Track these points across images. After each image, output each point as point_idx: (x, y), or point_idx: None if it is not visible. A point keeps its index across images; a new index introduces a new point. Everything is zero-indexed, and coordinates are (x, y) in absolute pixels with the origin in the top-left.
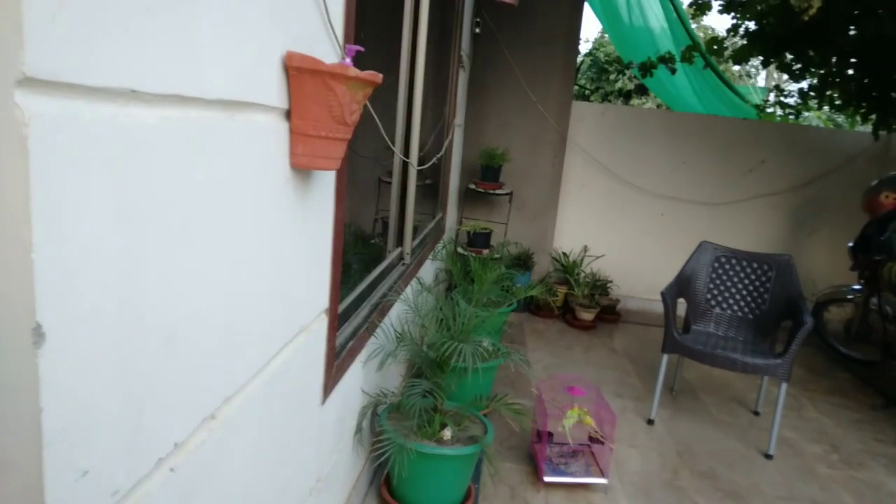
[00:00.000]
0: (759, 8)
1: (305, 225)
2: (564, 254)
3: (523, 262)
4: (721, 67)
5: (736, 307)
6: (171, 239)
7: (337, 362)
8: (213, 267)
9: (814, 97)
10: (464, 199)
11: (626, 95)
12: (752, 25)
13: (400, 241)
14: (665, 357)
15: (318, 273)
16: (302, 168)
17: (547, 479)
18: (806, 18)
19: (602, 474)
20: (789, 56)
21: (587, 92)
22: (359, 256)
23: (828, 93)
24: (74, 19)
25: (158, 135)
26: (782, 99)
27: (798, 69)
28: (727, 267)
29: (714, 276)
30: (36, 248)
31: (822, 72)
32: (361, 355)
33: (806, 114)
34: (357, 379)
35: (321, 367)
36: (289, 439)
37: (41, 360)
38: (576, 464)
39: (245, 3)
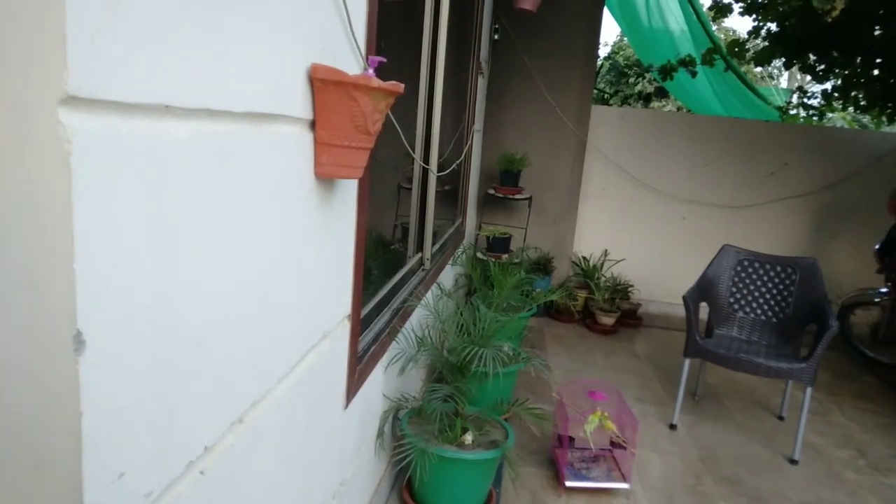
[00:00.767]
0: (780, 9)
1: (329, 232)
2: (584, 258)
3: (543, 266)
4: (743, 69)
5: (759, 311)
6: (201, 248)
7: (359, 367)
8: (240, 275)
9: (838, 98)
10: (483, 204)
11: (645, 98)
12: (773, 27)
13: (420, 247)
14: (687, 361)
15: (340, 279)
16: (326, 177)
17: (568, 483)
18: (829, 20)
19: (624, 479)
20: (812, 57)
21: (606, 95)
22: (379, 262)
23: (852, 93)
24: (112, 39)
25: (190, 148)
26: (805, 100)
27: (821, 70)
28: (750, 270)
29: (737, 279)
30: (77, 258)
31: (846, 72)
32: (383, 360)
33: (830, 115)
34: (379, 384)
35: (344, 372)
36: (313, 443)
37: (81, 366)
38: (597, 469)
39: (271, 18)
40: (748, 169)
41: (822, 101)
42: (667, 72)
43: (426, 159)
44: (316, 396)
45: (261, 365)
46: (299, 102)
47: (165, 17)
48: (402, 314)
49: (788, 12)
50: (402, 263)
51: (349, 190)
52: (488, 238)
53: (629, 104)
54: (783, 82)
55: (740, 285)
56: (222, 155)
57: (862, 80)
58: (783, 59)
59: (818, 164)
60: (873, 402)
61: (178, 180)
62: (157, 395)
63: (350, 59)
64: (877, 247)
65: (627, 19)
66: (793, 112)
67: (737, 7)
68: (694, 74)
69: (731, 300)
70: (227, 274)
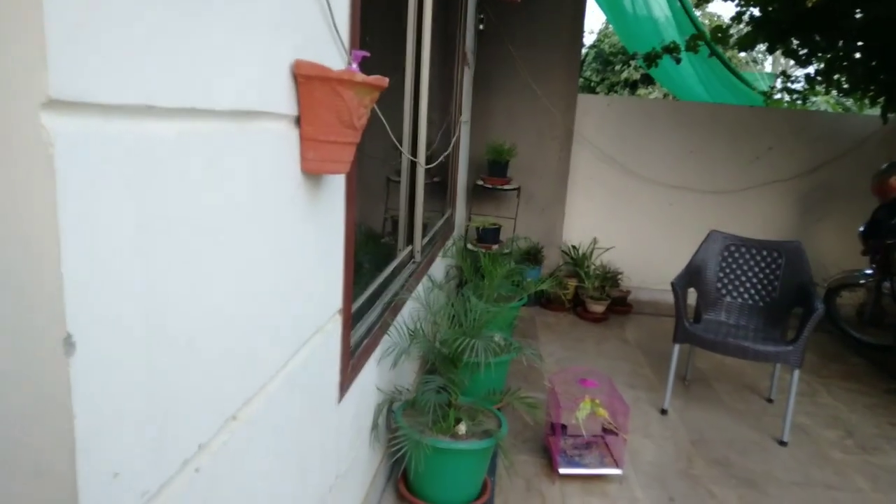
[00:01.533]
0: None
1: (317, 228)
2: (574, 247)
3: (533, 256)
4: (727, 54)
5: (746, 295)
6: (189, 247)
7: (352, 361)
8: (230, 273)
9: (821, 82)
10: (472, 195)
11: (631, 86)
12: (756, 12)
13: (410, 240)
14: (677, 347)
15: (331, 274)
16: (313, 173)
17: (562, 470)
18: (810, 4)
19: (616, 465)
20: (795, 41)
21: (592, 83)
22: (370, 256)
23: (835, 77)
24: (92, 40)
25: (174, 147)
26: (789, 85)
27: (804, 54)
28: (737, 255)
29: (724, 264)
30: (64, 261)
31: (828, 56)
32: (376, 353)
33: (814, 99)
34: (372, 377)
35: (337, 366)
36: (308, 438)
37: (72, 368)
38: (590, 455)
39: (254, 15)
40: (734, 154)
41: (806, 85)
42: (651, 59)
43: (414, 152)
44: (310, 391)
45: (253, 362)
46: (284, 99)
47: (145, 17)
48: (394, 307)
49: None
50: (393, 257)
51: (336, 185)
52: (478, 229)
53: (615, 92)
54: (767, 67)
55: (727, 270)
56: (207, 153)
57: (844, 64)
58: (766, 44)
59: (803, 148)
60: (860, 383)
61: (164, 180)
62: (149, 395)
63: (334, 54)
64: (861, 229)
65: (612, 7)
66: (777, 97)
67: None
68: (678, 61)
69: (719, 285)
70: (217, 272)
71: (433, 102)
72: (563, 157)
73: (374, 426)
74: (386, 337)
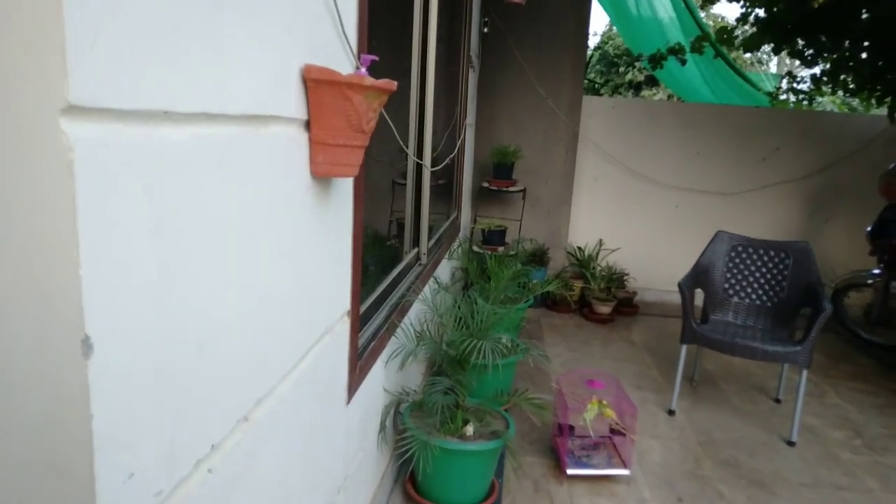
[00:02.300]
0: None
1: (326, 230)
2: (580, 248)
3: (539, 257)
4: (732, 56)
5: (754, 296)
6: (203, 249)
7: (360, 363)
8: (242, 274)
9: (827, 82)
10: (477, 197)
11: (636, 87)
12: (761, 13)
13: (416, 242)
14: (684, 347)
15: (339, 276)
16: (322, 176)
17: (570, 471)
18: (816, 5)
19: (624, 465)
20: (801, 42)
21: (597, 85)
22: (376, 258)
23: (841, 77)
24: (111, 47)
25: (189, 152)
26: (795, 85)
27: (810, 55)
28: (744, 256)
29: (731, 265)
30: (83, 264)
31: (834, 56)
32: (383, 355)
33: (820, 99)
34: (379, 378)
35: (345, 367)
36: (317, 439)
37: (90, 369)
38: (598, 456)
39: (265, 21)
40: (740, 155)
41: (812, 86)
42: (656, 60)
43: (419, 154)
44: (319, 393)
45: (264, 363)
46: (294, 103)
47: (162, 24)
48: (401, 309)
49: None
50: (399, 259)
51: (345, 188)
52: (484, 231)
53: (620, 93)
54: (772, 67)
55: (734, 271)
56: (221, 158)
57: (850, 64)
58: (772, 45)
59: (809, 148)
60: (868, 383)
61: (179, 184)
62: (164, 396)
63: (342, 59)
64: (868, 229)
65: (616, 8)
66: (783, 97)
67: None
68: (683, 62)
69: (726, 286)
70: (229, 274)
71: (439, 105)
72: (568, 159)
73: (382, 427)
74: (393, 339)
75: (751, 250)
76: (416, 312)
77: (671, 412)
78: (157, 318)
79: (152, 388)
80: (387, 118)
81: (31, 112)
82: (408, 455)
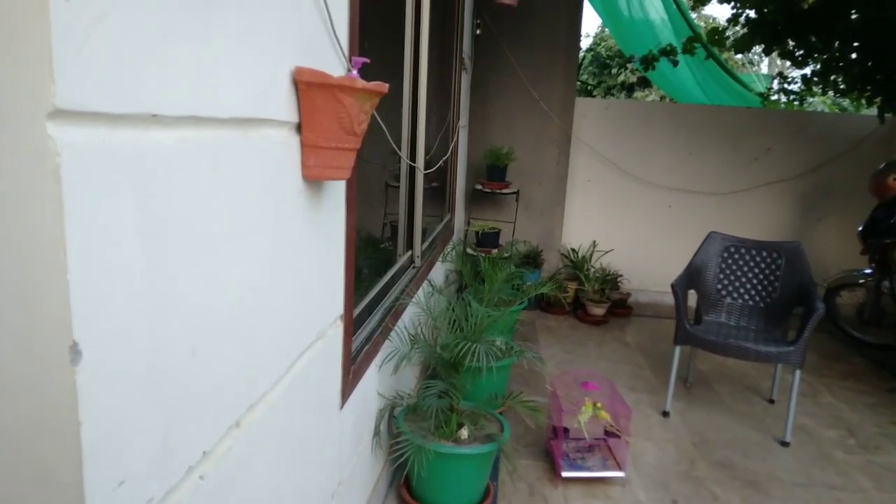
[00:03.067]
0: None
1: (319, 234)
2: (573, 250)
3: (532, 259)
4: (723, 57)
5: (747, 296)
6: (193, 254)
7: (353, 367)
8: (233, 279)
9: (818, 83)
10: (471, 199)
11: (628, 88)
12: (752, 14)
13: (410, 245)
14: (677, 349)
15: (332, 280)
16: (314, 179)
17: (565, 474)
18: (806, 6)
19: (619, 467)
20: (791, 43)
21: (590, 87)
22: (370, 261)
23: (832, 78)
24: (98, 51)
25: (178, 156)
26: (786, 86)
27: (800, 55)
28: (736, 256)
29: (724, 266)
30: (71, 269)
31: (825, 57)
32: (377, 359)
33: (811, 99)
34: (373, 382)
35: (338, 372)
36: (310, 444)
37: (78, 376)
38: (592, 458)
39: (255, 24)
40: (732, 156)
41: (803, 86)
42: (648, 62)
43: (412, 157)
44: (311, 398)
45: (256, 369)
46: (285, 106)
47: (150, 28)
48: (395, 313)
49: None
50: (393, 262)
51: (337, 191)
52: (477, 233)
53: (613, 94)
54: (764, 68)
55: (727, 271)
56: (211, 161)
57: (840, 65)
58: (762, 46)
59: (801, 148)
60: (861, 382)
61: (169, 189)
62: (154, 403)
63: (334, 61)
64: (860, 229)
65: (608, 10)
66: (774, 98)
67: None
68: (675, 63)
69: (719, 286)
70: (220, 279)
71: (431, 108)
72: (561, 161)
73: (376, 432)
74: (387, 342)
75: (743, 251)
76: (410, 315)
77: (665, 413)
78: (147, 324)
79: (143, 394)
80: (379, 121)
81: (18, 116)
82: (402, 459)
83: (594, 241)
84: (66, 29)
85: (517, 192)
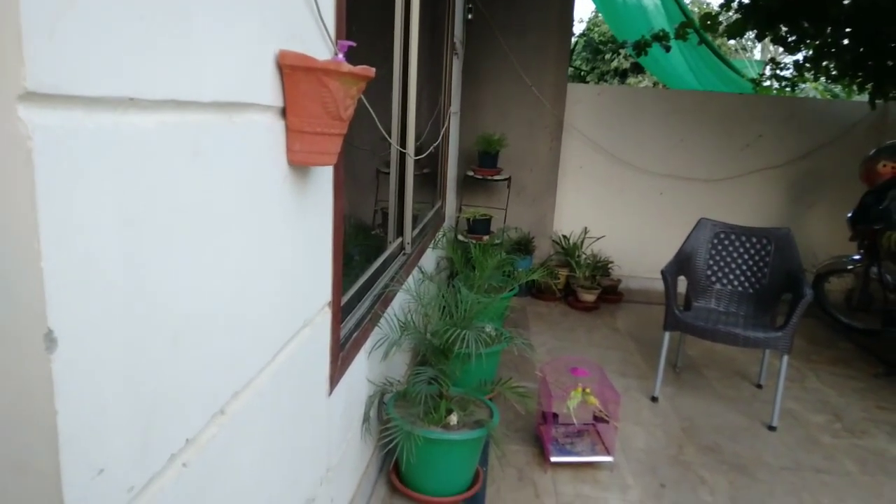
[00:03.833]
0: None
1: (305, 220)
2: (565, 236)
3: (524, 246)
4: (716, 42)
5: (736, 282)
6: (174, 240)
7: (342, 354)
8: (216, 266)
9: (809, 69)
10: (463, 186)
11: (622, 74)
12: None
13: (400, 232)
14: (667, 334)
15: (319, 267)
16: (299, 164)
17: (553, 459)
18: None
19: (608, 452)
20: (783, 28)
21: (583, 73)
22: (360, 248)
23: (823, 63)
24: (71, 33)
25: (157, 140)
26: (778, 72)
27: (793, 41)
28: (726, 243)
29: (713, 252)
30: (45, 256)
31: (816, 43)
32: (366, 346)
33: (803, 86)
34: (363, 369)
35: (326, 359)
36: (298, 431)
37: (54, 364)
38: (581, 443)
39: (238, 6)
40: (724, 142)
41: (795, 72)
42: (640, 47)
43: (403, 143)
44: (299, 385)
45: (241, 355)
46: (269, 90)
47: (128, 8)
48: (384, 299)
49: None
50: (383, 249)
51: (324, 177)
52: (469, 220)
53: (606, 80)
54: (757, 54)
55: (717, 258)
56: (192, 146)
57: (832, 50)
58: (755, 32)
59: (792, 134)
60: (849, 367)
61: (148, 173)
62: (135, 390)
63: (320, 45)
64: (849, 215)
65: None
66: (766, 84)
67: None
68: (668, 49)
69: (709, 272)
70: (203, 266)
71: (422, 93)
72: (553, 147)
73: (366, 418)
74: (377, 329)
75: (733, 237)
76: (401, 302)
77: (654, 399)
78: (127, 312)
79: (123, 382)
80: (368, 107)
81: None
82: (392, 445)
83: (585, 228)
84: (37, 7)
85: (509, 179)
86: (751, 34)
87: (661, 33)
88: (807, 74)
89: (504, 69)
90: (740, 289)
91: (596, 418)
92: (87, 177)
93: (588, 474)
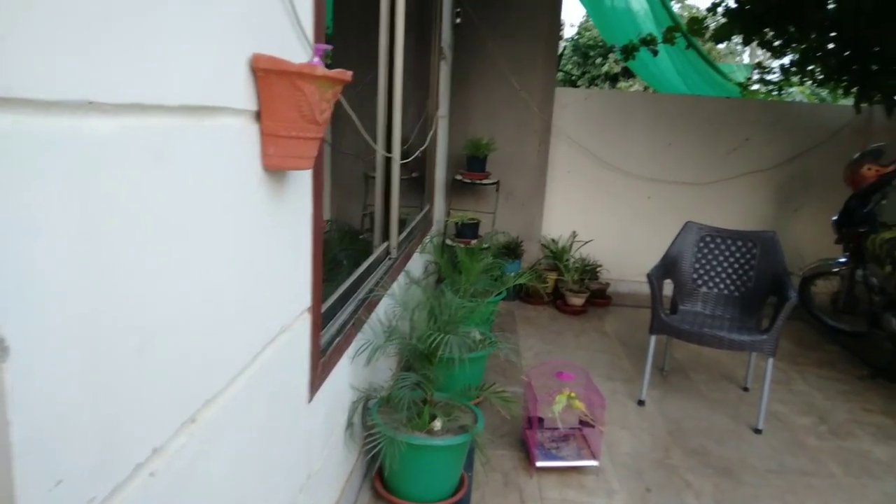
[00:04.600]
0: None
1: (282, 226)
2: (553, 240)
3: (512, 250)
4: (705, 47)
5: (722, 285)
6: (139, 247)
7: (323, 360)
8: (185, 273)
9: (795, 73)
10: (451, 190)
11: (612, 79)
12: (732, 3)
13: (386, 236)
14: (653, 338)
15: (297, 272)
16: (275, 169)
17: (539, 463)
18: None
19: (593, 457)
20: (770, 32)
21: (573, 77)
22: (346, 252)
23: (809, 68)
24: (26, 35)
25: (120, 145)
26: (765, 76)
27: (779, 45)
28: (712, 246)
29: (700, 255)
30: None
31: (802, 47)
32: (349, 351)
33: (790, 90)
34: (345, 375)
35: (306, 365)
36: (275, 438)
37: (6, 373)
38: (567, 448)
39: (208, 8)
40: (711, 146)
41: (781, 76)
42: (629, 51)
43: (388, 147)
44: (276, 391)
45: (212, 363)
46: (242, 93)
47: (89, 10)
48: (368, 305)
49: None
50: (368, 253)
51: (302, 181)
52: (457, 224)
53: (597, 85)
54: (745, 58)
55: (703, 261)
56: (157, 151)
57: (818, 54)
58: (741, 36)
59: (779, 138)
60: (834, 370)
61: (108, 178)
62: (95, 400)
63: (296, 48)
64: (835, 218)
65: None
66: (753, 88)
67: None
68: (655, 53)
69: (695, 276)
70: (171, 273)
71: (409, 97)
72: (541, 151)
73: (349, 424)
74: (360, 335)
75: (719, 240)
76: (386, 307)
77: (641, 402)
78: (87, 319)
79: (83, 390)
80: (349, 110)
81: None
82: (376, 451)
83: (574, 232)
84: None
85: (497, 183)
86: (737, 38)
87: (649, 37)
88: (793, 78)
89: (492, 73)
90: (726, 292)
91: (582, 422)
92: (43, 181)
93: (574, 479)
